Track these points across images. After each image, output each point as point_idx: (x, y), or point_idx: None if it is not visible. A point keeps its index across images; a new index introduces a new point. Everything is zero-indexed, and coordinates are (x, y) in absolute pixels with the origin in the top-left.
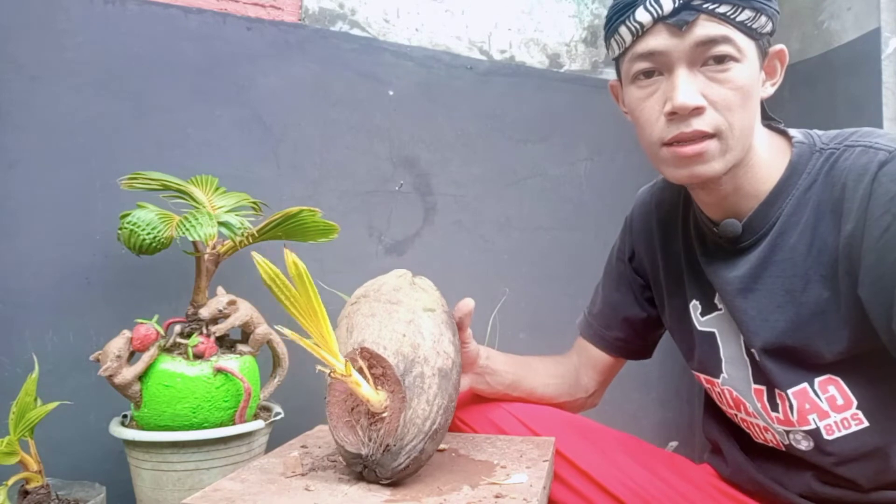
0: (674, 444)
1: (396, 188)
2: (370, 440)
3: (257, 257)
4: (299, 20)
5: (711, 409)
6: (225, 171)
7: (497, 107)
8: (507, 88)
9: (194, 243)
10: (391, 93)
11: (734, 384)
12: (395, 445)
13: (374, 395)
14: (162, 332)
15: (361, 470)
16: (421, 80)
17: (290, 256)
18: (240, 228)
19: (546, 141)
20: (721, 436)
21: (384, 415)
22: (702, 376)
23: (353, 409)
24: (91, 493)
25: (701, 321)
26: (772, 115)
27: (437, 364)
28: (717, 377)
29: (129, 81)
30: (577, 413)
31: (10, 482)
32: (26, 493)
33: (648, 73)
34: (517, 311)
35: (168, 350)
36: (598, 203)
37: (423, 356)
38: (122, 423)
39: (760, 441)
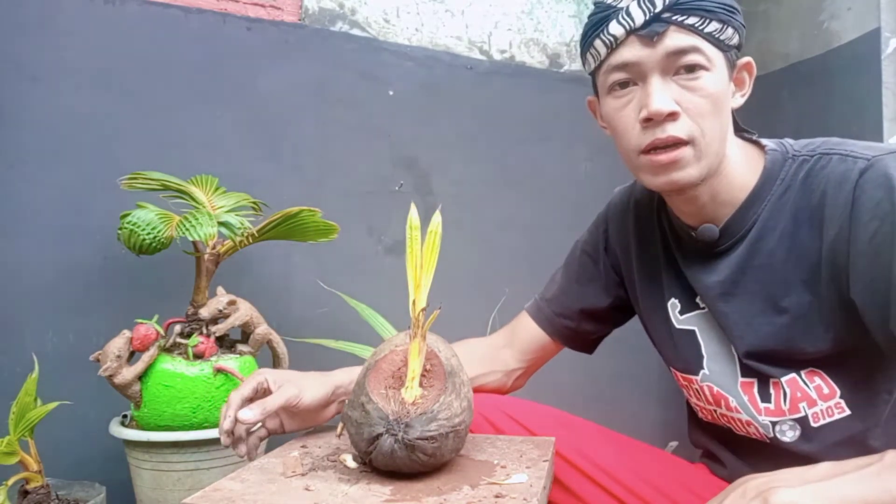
0: (674, 444)
1: (396, 188)
2: (402, 405)
3: (413, 208)
4: (299, 20)
5: (695, 417)
6: (225, 171)
7: (497, 107)
8: (507, 88)
9: (194, 243)
10: (391, 93)
11: (716, 380)
12: (431, 412)
13: (420, 364)
14: (162, 332)
15: (377, 435)
16: (421, 80)
17: (437, 217)
18: (240, 228)
19: (546, 141)
20: (710, 441)
21: (424, 392)
22: (679, 374)
23: (389, 386)
24: (91, 493)
25: (679, 319)
26: (744, 126)
27: (468, 393)
28: (697, 374)
29: (129, 81)
30: (503, 395)
31: (10, 482)
32: (26, 492)
33: (624, 84)
34: (517, 311)
35: (168, 350)
36: (598, 203)
37: (462, 378)
38: (122, 423)
39: (742, 433)
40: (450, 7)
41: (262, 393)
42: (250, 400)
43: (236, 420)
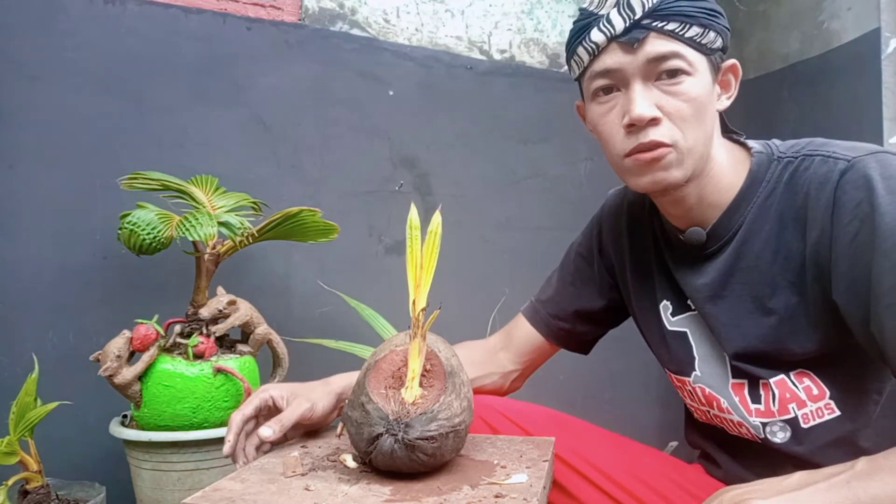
0: (674, 444)
1: (396, 188)
2: (402, 405)
3: (413, 208)
4: (299, 20)
5: (691, 417)
6: (225, 171)
7: (497, 107)
8: (507, 88)
9: (194, 243)
10: (391, 93)
11: (708, 381)
12: (430, 412)
13: (420, 364)
14: (162, 332)
15: (377, 435)
16: (421, 80)
17: (437, 217)
18: (240, 228)
19: (546, 141)
20: (705, 442)
21: (424, 392)
22: (673, 376)
23: (389, 386)
24: (91, 493)
25: (672, 321)
26: (732, 127)
27: (468, 393)
28: (689, 375)
29: (129, 81)
30: (499, 396)
31: (10, 482)
32: (26, 492)
33: (607, 90)
34: (517, 311)
35: (168, 350)
36: (599, 203)
37: (462, 378)
38: (122, 423)
39: (735, 433)
40: (450, 7)
41: (267, 410)
42: (255, 418)
43: (236, 442)
